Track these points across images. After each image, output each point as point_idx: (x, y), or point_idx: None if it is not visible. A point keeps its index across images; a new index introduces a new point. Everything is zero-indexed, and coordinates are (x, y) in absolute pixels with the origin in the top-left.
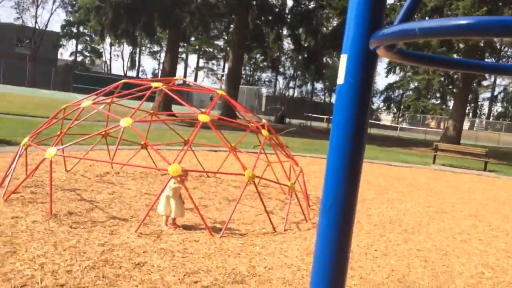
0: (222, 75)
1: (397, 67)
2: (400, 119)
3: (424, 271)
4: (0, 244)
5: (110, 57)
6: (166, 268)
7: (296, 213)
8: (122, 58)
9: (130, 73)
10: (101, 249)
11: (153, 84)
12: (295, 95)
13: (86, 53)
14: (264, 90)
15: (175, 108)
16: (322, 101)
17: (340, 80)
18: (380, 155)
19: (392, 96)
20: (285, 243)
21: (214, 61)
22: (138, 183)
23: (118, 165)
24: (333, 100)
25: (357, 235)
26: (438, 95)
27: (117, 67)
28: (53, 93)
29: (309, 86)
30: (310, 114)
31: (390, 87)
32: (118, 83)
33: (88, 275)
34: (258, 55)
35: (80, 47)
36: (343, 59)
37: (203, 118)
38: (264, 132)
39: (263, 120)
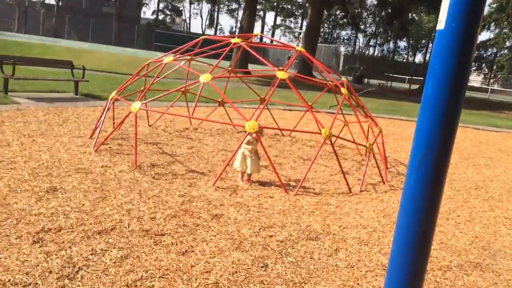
0: (300, 33)
1: (492, 23)
2: (491, 81)
3: (511, 240)
4: (92, 190)
5: (190, 15)
6: (242, 221)
7: (373, 175)
8: (201, 16)
9: (208, 31)
10: (181, 199)
11: (232, 40)
12: (376, 54)
13: (167, 12)
14: (342, 49)
15: (251, 67)
16: (404, 60)
17: (441, 25)
18: (467, 118)
19: (484, 55)
20: (361, 204)
21: (291, 19)
22: (215, 139)
23: (196, 121)
24: (417, 59)
25: None
26: None
27: (196, 26)
28: (136, 51)
29: (391, 45)
30: (390, 74)
31: (482, 45)
32: (197, 39)
33: (170, 222)
34: (338, 11)
35: (161, 5)
36: (445, 1)
37: (281, 74)
38: (343, 90)
39: (342, 78)
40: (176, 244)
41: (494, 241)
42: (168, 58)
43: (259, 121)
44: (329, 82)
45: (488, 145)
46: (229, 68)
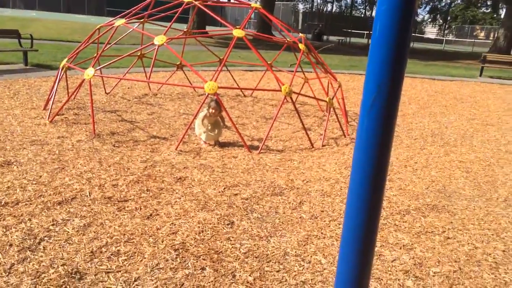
0: None
1: None
2: (446, 31)
3: (465, 182)
4: (49, 161)
5: None
6: (207, 182)
7: (334, 129)
8: None
9: None
10: (143, 165)
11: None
12: (334, 10)
13: None
14: (300, 6)
15: (209, 29)
16: (362, 15)
17: None
18: (423, 69)
19: (439, 6)
20: (323, 158)
21: None
22: (176, 104)
23: (155, 87)
24: (373, 13)
25: (397, 148)
26: (489, 3)
27: None
28: (87, 17)
29: (348, 0)
30: (349, 30)
31: None
32: (148, 0)
33: (133, 188)
34: None
35: None
36: None
37: (238, 33)
38: (301, 46)
39: (300, 34)
40: (140, 208)
41: (449, 184)
42: (120, 21)
43: (218, 82)
44: (287, 40)
45: (443, 94)
46: (185, 30)
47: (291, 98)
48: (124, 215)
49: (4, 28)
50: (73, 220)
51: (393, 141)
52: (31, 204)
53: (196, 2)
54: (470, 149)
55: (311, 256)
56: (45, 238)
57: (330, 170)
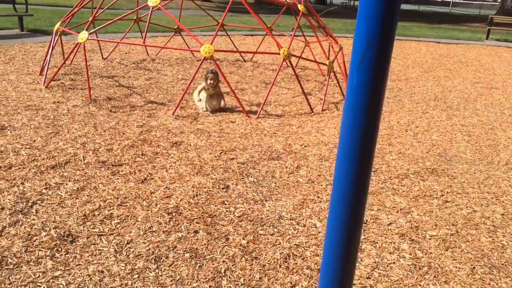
0: None
1: None
2: None
3: (467, 145)
4: (44, 126)
5: None
6: (203, 147)
7: (335, 94)
8: None
9: None
10: (139, 130)
11: None
12: None
13: None
14: None
15: None
16: None
17: None
18: (429, 33)
19: None
20: (322, 122)
21: None
22: (174, 69)
23: (154, 52)
24: None
25: (398, 112)
26: None
27: None
28: None
29: None
30: None
31: None
32: None
33: (128, 153)
34: None
35: None
36: None
37: None
38: (300, 7)
39: None
40: (135, 173)
41: (450, 147)
42: None
43: (217, 47)
44: (286, 1)
45: (448, 58)
46: None
47: (290, 62)
48: (118, 179)
49: None
50: (66, 184)
51: (395, 105)
52: (24, 168)
53: None
54: (473, 113)
55: (306, 220)
56: (38, 201)
57: (329, 135)
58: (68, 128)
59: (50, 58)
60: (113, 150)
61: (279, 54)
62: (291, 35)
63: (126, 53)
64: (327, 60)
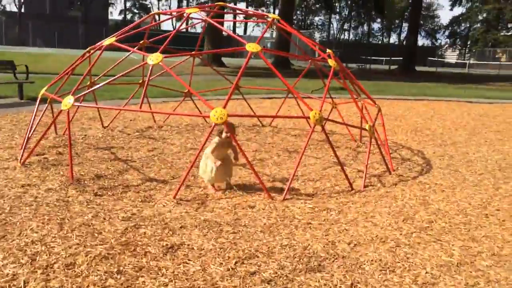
0: None
1: None
2: (467, 55)
3: None
4: None
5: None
6: (210, 252)
7: (374, 164)
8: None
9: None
10: (124, 226)
11: (187, 11)
12: (350, 38)
13: (135, 10)
14: (317, 35)
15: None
16: (380, 42)
17: None
18: (455, 92)
19: (458, 30)
20: (369, 205)
21: (263, 8)
22: (183, 137)
23: (162, 118)
24: (392, 40)
25: (463, 188)
26: (510, 25)
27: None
28: (105, 53)
29: (365, 27)
30: (368, 57)
31: (455, 20)
32: (146, 16)
33: (96, 270)
34: None
35: (128, 4)
36: None
37: (251, 47)
38: (331, 61)
39: (328, 50)
40: None
41: None
42: (109, 39)
43: (232, 111)
44: (312, 58)
45: (490, 117)
46: (192, 52)
47: (322, 126)
48: None
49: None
50: None
51: (454, 178)
52: None
53: (206, 19)
54: None
55: None
56: None
57: (384, 225)
58: (22, 228)
59: (31, 130)
60: (74, 267)
61: (304, 117)
62: (316, 97)
63: (131, 120)
64: (365, 123)
